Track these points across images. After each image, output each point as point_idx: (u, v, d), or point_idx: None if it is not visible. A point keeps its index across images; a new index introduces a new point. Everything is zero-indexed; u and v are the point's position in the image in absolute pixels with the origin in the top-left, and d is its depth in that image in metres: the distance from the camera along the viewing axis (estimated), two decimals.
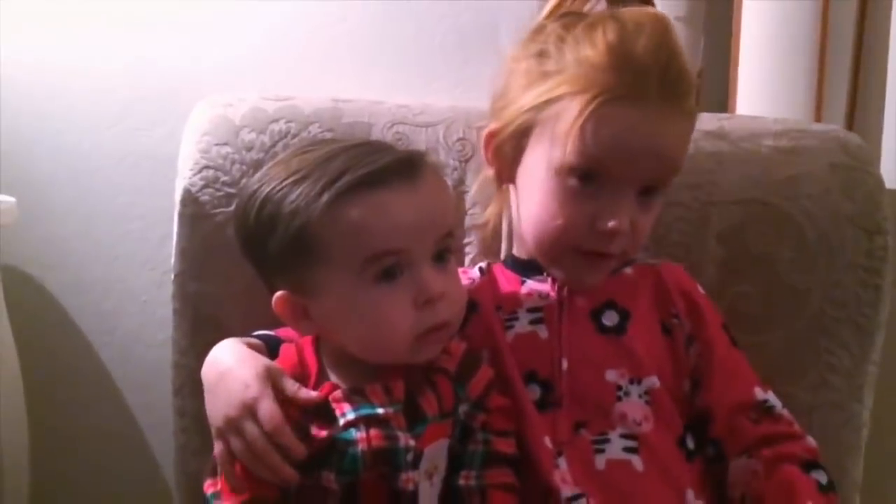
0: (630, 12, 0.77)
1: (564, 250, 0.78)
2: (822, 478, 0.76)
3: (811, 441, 0.79)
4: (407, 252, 0.69)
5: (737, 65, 1.05)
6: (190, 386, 0.89)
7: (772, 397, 0.80)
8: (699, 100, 1.09)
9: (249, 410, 0.69)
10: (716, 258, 0.90)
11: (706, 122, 0.94)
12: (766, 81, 1.04)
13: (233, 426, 0.69)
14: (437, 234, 0.71)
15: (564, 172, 0.75)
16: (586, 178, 0.75)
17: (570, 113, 0.73)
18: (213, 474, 0.72)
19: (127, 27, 1.14)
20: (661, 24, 0.76)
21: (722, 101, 1.08)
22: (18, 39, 1.13)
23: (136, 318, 1.18)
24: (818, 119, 1.03)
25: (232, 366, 0.72)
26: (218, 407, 0.71)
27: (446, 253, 0.72)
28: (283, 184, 0.69)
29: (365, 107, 0.95)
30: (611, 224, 0.74)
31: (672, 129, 0.75)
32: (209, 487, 0.72)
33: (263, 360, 0.72)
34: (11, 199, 1.08)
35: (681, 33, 1.07)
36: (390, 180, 0.68)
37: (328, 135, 0.92)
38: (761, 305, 0.88)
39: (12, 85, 1.14)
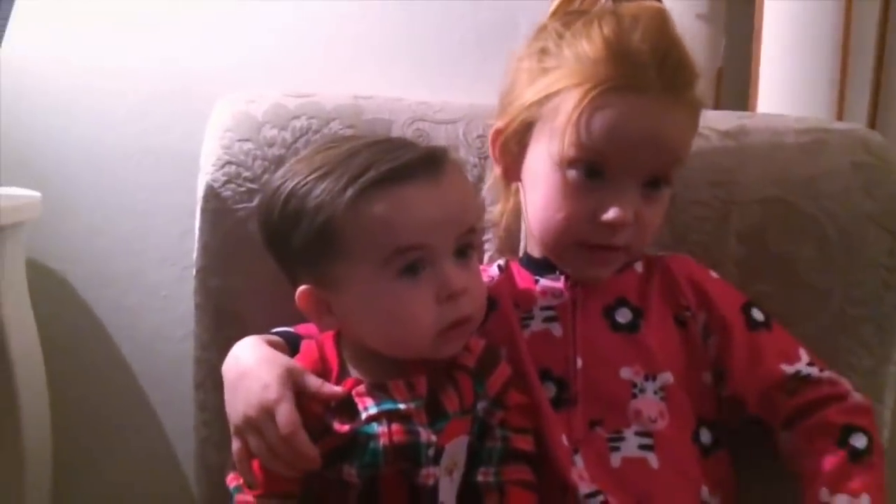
0: (628, 6, 0.77)
1: (569, 245, 0.78)
2: (860, 441, 0.75)
3: (856, 398, 0.78)
4: (430, 247, 0.70)
5: (758, 63, 1.05)
6: (211, 380, 0.90)
7: (803, 367, 0.79)
8: (720, 99, 1.10)
9: (268, 412, 0.69)
10: (736, 257, 0.90)
11: (727, 120, 0.94)
12: (788, 80, 1.03)
13: (251, 426, 0.70)
14: (460, 230, 0.71)
15: (565, 165, 0.76)
16: (588, 171, 0.75)
17: (568, 105, 0.74)
18: (236, 468, 0.73)
19: (148, 26, 1.15)
20: (658, 16, 0.76)
21: (743, 99, 1.08)
22: (42, 39, 1.14)
23: (158, 312, 1.19)
24: (840, 117, 1.03)
25: (252, 365, 0.72)
26: (237, 406, 0.72)
27: (468, 249, 0.73)
28: (308, 179, 0.70)
29: (385, 103, 0.96)
30: (612, 214, 0.74)
31: (671, 118, 0.75)
32: (232, 480, 0.73)
33: (284, 361, 0.72)
34: (37, 194, 1.10)
35: (701, 32, 1.08)
36: (413, 176, 0.69)
37: (349, 131, 0.93)
38: (782, 305, 0.88)
39: (36, 83, 1.15)
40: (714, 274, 0.85)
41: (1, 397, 1.08)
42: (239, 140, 0.92)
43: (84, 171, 1.18)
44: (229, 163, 0.92)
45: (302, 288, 0.73)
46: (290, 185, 0.71)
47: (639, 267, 0.83)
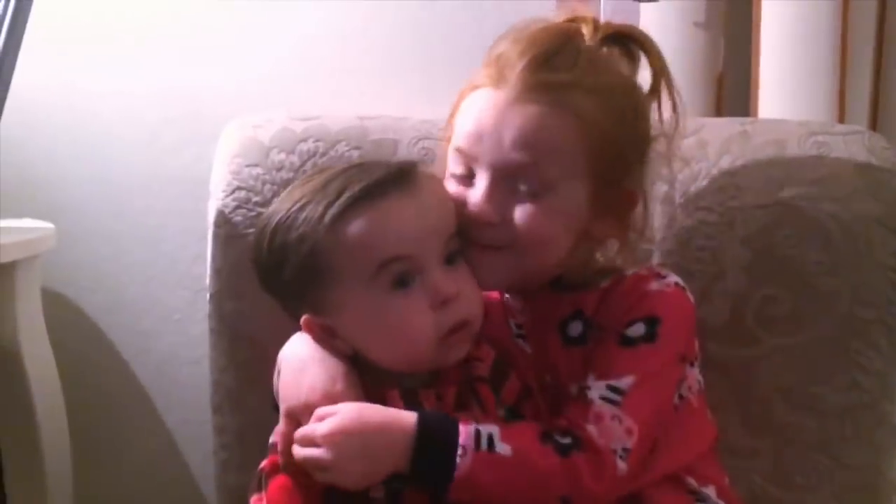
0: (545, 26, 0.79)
1: (466, 244, 0.76)
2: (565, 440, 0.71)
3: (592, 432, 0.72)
4: (414, 257, 0.71)
5: (758, 68, 1.05)
6: (229, 403, 0.91)
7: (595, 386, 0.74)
8: (721, 105, 1.10)
9: (334, 402, 0.71)
10: (742, 262, 0.90)
11: (729, 126, 0.94)
12: (788, 83, 1.04)
13: (311, 412, 0.71)
14: (443, 237, 0.73)
15: (451, 156, 0.78)
16: (465, 164, 0.77)
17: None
18: (258, 489, 0.74)
19: (153, 52, 1.16)
20: (552, 27, 0.78)
21: (744, 105, 1.08)
22: (49, 66, 1.15)
23: (172, 336, 1.21)
24: (841, 119, 1.03)
25: (317, 358, 0.74)
26: (301, 390, 0.73)
27: (457, 255, 0.74)
28: (289, 213, 0.72)
29: (390, 123, 0.97)
30: (470, 208, 0.75)
31: (521, 111, 0.74)
32: (256, 503, 0.74)
33: (345, 362, 0.74)
34: (51, 226, 1.11)
35: (700, 39, 1.09)
36: (387, 191, 0.71)
37: (356, 153, 0.94)
38: (789, 308, 0.88)
39: (43, 112, 1.17)
40: (665, 288, 0.77)
41: (21, 424, 1.10)
42: (248, 165, 0.93)
43: (94, 199, 1.19)
44: (239, 188, 0.93)
45: (305, 317, 0.75)
46: (273, 222, 0.73)
47: (605, 283, 0.79)
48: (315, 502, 0.71)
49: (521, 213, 0.75)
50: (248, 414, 0.92)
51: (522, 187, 0.75)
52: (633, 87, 0.79)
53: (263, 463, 0.74)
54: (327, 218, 0.70)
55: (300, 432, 0.70)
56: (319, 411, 0.70)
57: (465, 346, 0.75)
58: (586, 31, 0.78)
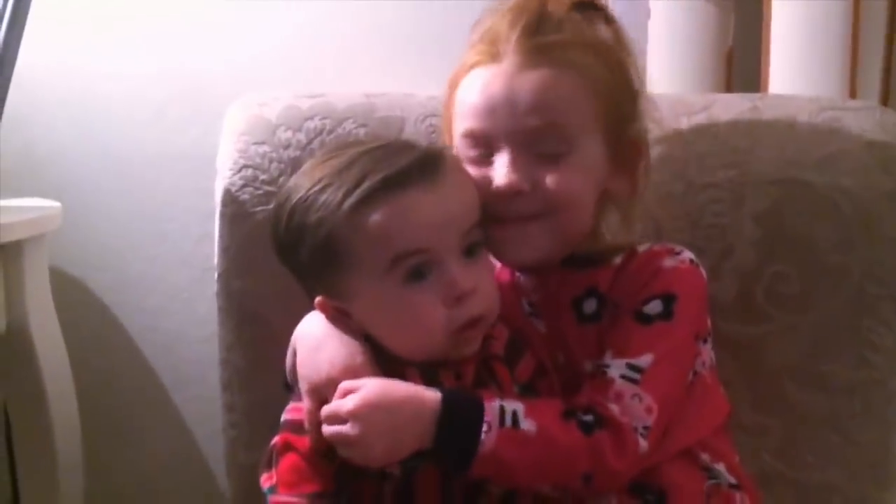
0: None
1: (488, 225, 0.76)
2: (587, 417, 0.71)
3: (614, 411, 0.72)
4: (432, 250, 0.70)
5: (768, 43, 1.04)
6: (238, 381, 0.91)
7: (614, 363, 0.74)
8: (730, 80, 1.09)
9: (354, 375, 0.71)
10: (752, 239, 0.90)
11: (739, 102, 0.94)
12: (798, 59, 1.03)
13: (333, 385, 0.71)
14: (462, 229, 0.72)
15: (460, 143, 0.78)
16: (480, 145, 0.77)
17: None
18: (269, 467, 0.74)
19: (157, 30, 1.16)
20: (529, 6, 0.78)
21: (754, 80, 1.07)
22: (53, 45, 1.15)
23: (179, 314, 1.21)
24: (852, 95, 1.02)
25: (334, 334, 0.74)
26: (321, 366, 0.73)
27: (476, 247, 0.73)
28: (308, 194, 0.71)
29: (397, 100, 0.96)
30: (497, 181, 0.75)
31: (526, 77, 0.75)
32: (266, 481, 0.73)
33: (361, 339, 0.74)
34: (57, 205, 1.11)
35: (710, 14, 1.08)
36: (410, 181, 0.69)
37: (362, 130, 0.93)
38: (800, 285, 0.88)
39: (48, 92, 1.17)
40: (680, 264, 0.77)
41: (31, 403, 1.10)
42: (254, 143, 0.93)
43: (100, 178, 1.19)
44: (246, 166, 0.92)
45: (318, 299, 0.75)
46: (292, 200, 0.72)
47: (618, 259, 0.79)
48: (327, 480, 0.71)
49: (549, 177, 0.75)
50: (257, 392, 0.92)
51: (544, 151, 0.75)
52: (610, 42, 0.80)
53: (275, 440, 0.74)
54: (346, 206, 0.69)
55: (327, 409, 0.70)
56: (343, 385, 0.70)
57: (477, 341, 0.74)
58: None
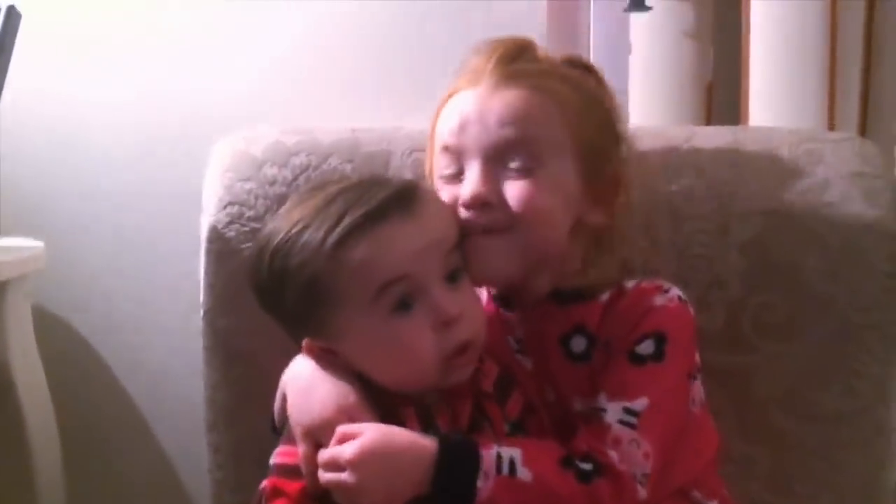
0: None
1: (465, 238, 0.76)
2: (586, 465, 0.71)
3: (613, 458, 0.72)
4: (414, 276, 0.70)
5: (747, 76, 1.06)
6: (224, 421, 0.90)
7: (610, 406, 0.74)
8: (711, 113, 1.11)
9: (348, 416, 0.71)
10: (738, 269, 0.90)
11: (720, 134, 0.95)
12: (778, 91, 1.05)
13: (327, 428, 0.70)
14: (443, 251, 0.72)
15: (437, 163, 0.80)
16: (454, 162, 0.78)
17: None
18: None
19: (142, 68, 1.16)
20: (506, 38, 0.81)
21: (734, 112, 1.09)
22: (38, 82, 1.15)
23: (164, 352, 1.20)
24: (831, 126, 1.04)
25: (324, 376, 0.74)
26: (313, 407, 0.72)
27: (458, 272, 0.74)
28: (288, 236, 0.71)
29: (383, 135, 0.97)
30: (465, 194, 0.75)
31: (499, 97, 0.77)
32: None
33: (351, 378, 0.74)
34: (40, 244, 1.10)
35: (689, 48, 1.10)
36: (389, 214, 0.70)
37: (348, 166, 0.93)
38: (785, 315, 0.88)
39: (31, 130, 1.16)
40: (669, 302, 0.77)
41: (12, 443, 1.09)
42: (240, 180, 0.93)
43: (83, 216, 1.18)
44: (231, 203, 0.92)
45: (305, 341, 0.75)
46: (272, 244, 0.72)
47: (604, 297, 0.79)
48: None
49: (516, 189, 0.76)
50: (244, 431, 0.91)
51: (513, 164, 0.76)
52: (591, 84, 0.82)
53: (263, 483, 0.73)
54: (328, 244, 0.69)
55: (325, 455, 0.69)
56: (341, 430, 0.69)
57: (469, 367, 0.74)
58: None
